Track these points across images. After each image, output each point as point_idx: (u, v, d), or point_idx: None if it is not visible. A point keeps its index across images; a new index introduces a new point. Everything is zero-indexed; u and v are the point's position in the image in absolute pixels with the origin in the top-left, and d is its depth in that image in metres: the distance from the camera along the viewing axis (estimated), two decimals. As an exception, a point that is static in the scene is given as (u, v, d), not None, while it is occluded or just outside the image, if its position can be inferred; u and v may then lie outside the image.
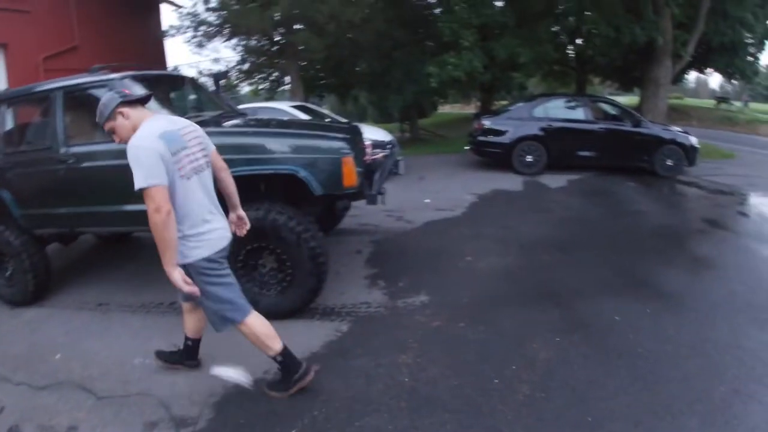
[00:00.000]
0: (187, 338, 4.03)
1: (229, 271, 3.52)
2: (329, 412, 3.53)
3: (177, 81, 6.50)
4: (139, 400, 3.85)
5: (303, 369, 3.67)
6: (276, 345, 3.59)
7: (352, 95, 23.08)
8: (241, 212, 3.86)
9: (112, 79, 5.09)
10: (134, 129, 3.20)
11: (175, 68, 8.20)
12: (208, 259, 3.33)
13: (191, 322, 3.99)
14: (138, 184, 3.02)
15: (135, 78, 5.23)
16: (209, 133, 4.82)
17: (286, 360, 3.64)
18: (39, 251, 5.76)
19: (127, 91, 3.32)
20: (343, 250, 6.53)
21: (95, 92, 5.45)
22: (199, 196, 3.34)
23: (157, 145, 3.07)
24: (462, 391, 3.70)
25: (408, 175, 7.21)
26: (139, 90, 3.96)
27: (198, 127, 3.56)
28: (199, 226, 3.31)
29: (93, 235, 7.31)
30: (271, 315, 4.77)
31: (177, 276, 3.16)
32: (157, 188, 3.01)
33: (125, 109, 3.23)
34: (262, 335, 3.55)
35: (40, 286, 5.78)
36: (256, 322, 3.56)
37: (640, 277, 5.69)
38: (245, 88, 20.90)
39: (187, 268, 3.27)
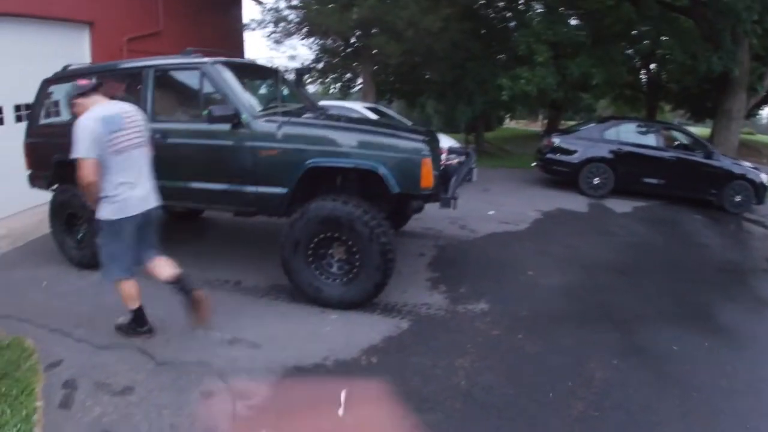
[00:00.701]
0: (168, 283, 4.43)
1: (130, 236, 4.18)
2: (384, 404, 3.60)
3: (264, 72, 6.69)
4: (198, 370, 3.98)
5: (146, 328, 4.47)
6: (133, 305, 4.39)
7: (419, 102, 23.10)
8: None
9: (204, 62, 5.29)
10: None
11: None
12: (118, 221, 4.07)
13: (159, 273, 4.45)
14: (75, 154, 3.86)
15: (226, 64, 5.42)
16: (293, 123, 5.00)
17: (139, 317, 4.44)
18: None
19: (83, 83, 4.13)
20: (406, 251, 6.58)
21: (185, 73, 5.68)
22: (126, 167, 4.05)
23: (94, 125, 3.84)
24: (517, 401, 3.73)
25: (473, 186, 7.23)
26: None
27: (140, 113, 4.33)
28: (120, 192, 4.04)
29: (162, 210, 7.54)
30: (333, 304, 4.93)
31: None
32: (87, 160, 3.84)
33: (78, 100, 4.06)
34: (128, 294, 4.33)
35: None
36: (127, 287, 4.30)
37: (701, 310, 5.61)
38: (316, 87, 21.16)
39: (99, 223, 4.15)
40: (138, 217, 4.15)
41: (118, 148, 3.95)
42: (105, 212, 4.07)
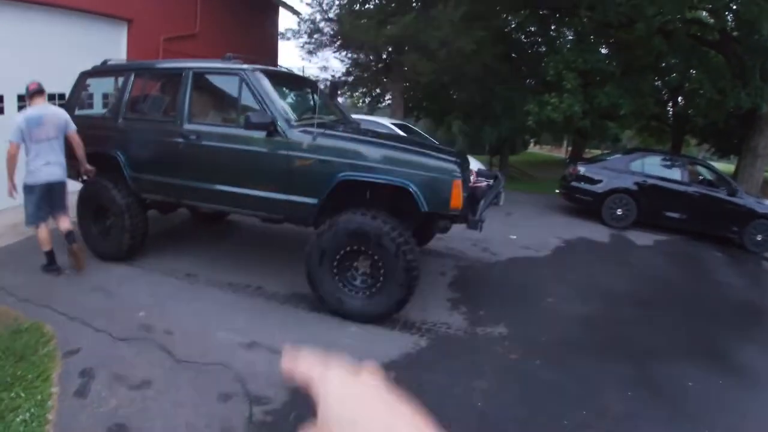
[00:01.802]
0: (63, 233, 5.86)
1: (40, 197, 5.62)
2: (400, 419, 3.62)
3: (301, 82, 6.78)
4: (217, 371, 4.03)
5: (54, 267, 5.81)
6: (46, 248, 5.73)
7: (446, 122, 23.08)
8: (87, 166, 5.95)
9: (243, 69, 5.38)
10: None
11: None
12: (32, 186, 5.56)
13: (59, 224, 5.89)
14: (9, 137, 5.43)
15: (264, 72, 5.50)
16: (328, 135, 5.06)
17: (49, 257, 5.78)
18: (141, 214, 6.14)
19: (32, 87, 5.62)
20: (428, 269, 6.57)
21: (224, 78, 5.78)
22: (41, 151, 5.52)
23: (20, 121, 5.46)
24: (530, 425, 3.74)
25: (496, 209, 7.24)
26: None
27: (61, 114, 5.74)
28: (34, 167, 5.52)
29: (189, 210, 7.64)
30: (354, 317, 4.97)
31: (9, 185, 5.57)
32: (12, 143, 5.44)
33: (29, 100, 5.63)
34: (41, 239, 5.70)
35: (134, 246, 6.16)
36: (40, 233, 5.69)
37: (717, 348, 5.55)
38: (345, 100, 21.21)
39: (24, 186, 5.58)
40: (45, 185, 5.60)
41: (36, 139, 5.48)
42: (25, 179, 5.57)
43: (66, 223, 5.86)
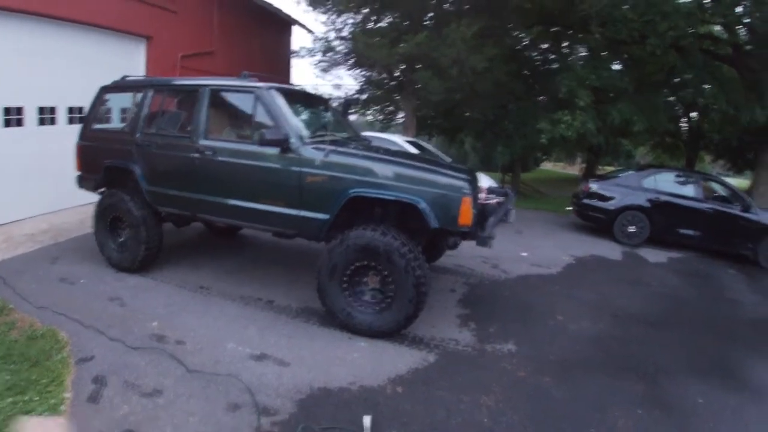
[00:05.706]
0: None
1: None
2: (407, 434, 3.64)
3: (314, 100, 6.90)
4: (227, 381, 4.10)
5: None
6: None
7: (458, 139, 23.06)
8: None
9: (258, 87, 5.50)
10: None
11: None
12: None
13: None
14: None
15: (279, 90, 5.62)
16: (339, 153, 5.14)
17: None
18: (156, 226, 6.27)
19: None
20: (438, 286, 6.62)
21: (239, 96, 5.89)
22: None
23: None
24: (538, 443, 3.75)
25: (507, 227, 7.23)
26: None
27: None
28: None
29: (203, 224, 7.71)
30: (363, 332, 5.04)
31: None
32: None
33: None
34: None
35: (148, 258, 6.29)
36: None
37: (729, 366, 5.50)
38: (358, 117, 21.27)
39: None
40: None
41: None
42: None
43: None
